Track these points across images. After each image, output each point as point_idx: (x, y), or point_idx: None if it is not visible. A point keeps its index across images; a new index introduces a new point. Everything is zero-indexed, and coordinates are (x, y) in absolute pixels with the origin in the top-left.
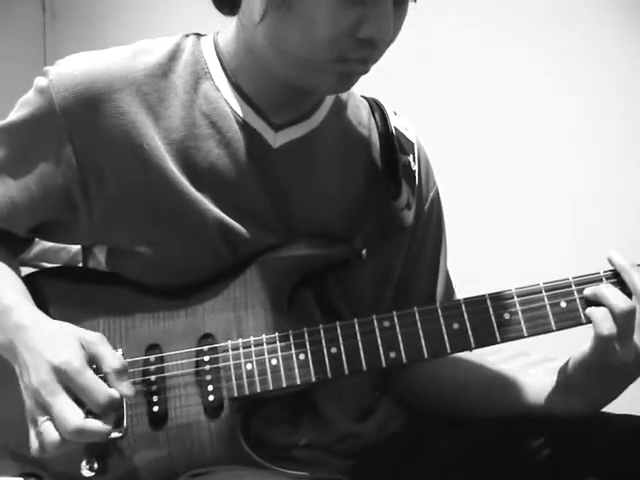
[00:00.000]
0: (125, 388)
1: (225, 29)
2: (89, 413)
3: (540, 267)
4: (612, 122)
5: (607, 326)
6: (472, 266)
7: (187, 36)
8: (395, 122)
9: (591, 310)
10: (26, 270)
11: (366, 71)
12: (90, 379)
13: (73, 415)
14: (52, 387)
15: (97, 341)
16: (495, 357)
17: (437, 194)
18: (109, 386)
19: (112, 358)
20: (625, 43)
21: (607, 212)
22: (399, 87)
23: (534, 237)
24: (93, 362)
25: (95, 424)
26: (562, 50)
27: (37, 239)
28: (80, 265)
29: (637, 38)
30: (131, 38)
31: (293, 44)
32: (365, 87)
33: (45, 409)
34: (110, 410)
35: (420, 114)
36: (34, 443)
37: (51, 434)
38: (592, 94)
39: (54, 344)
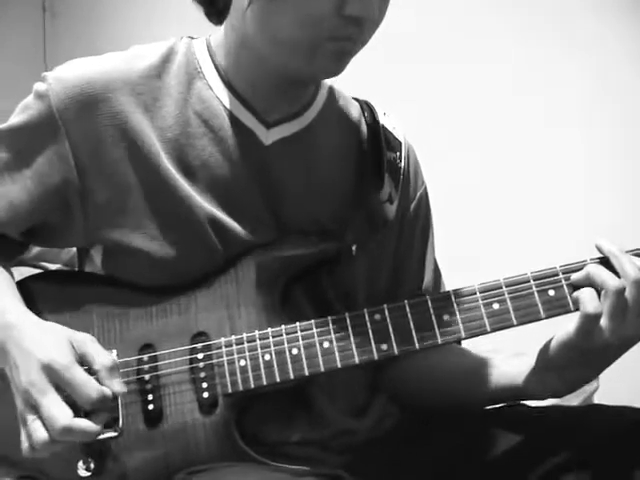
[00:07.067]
0: (116, 385)
1: (216, 31)
2: (85, 414)
3: (539, 259)
4: (612, 121)
5: (594, 305)
6: (470, 259)
7: (181, 39)
8: (384, 121)
9: (578, 292)
10: (26, 270)
11: (355, 50)
12: (78, 374)
13: (61, 414)
14: (41, 386)
15: (86, 340)
16: None
17: (425, 193)
18: (101, 384)
19: (102, 355)
20: (628, 41)
21: (605, 209)
22: (399, 87)
23: (533, 233)
24: (84, 361)
25: (84, 423)
26: (562, 48)
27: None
28: (71, 269)
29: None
30: (131, 38)
31: (281, 27)
32: (363, 88)
33: (35, 409)
34: (101, 407)
35: (426, 112)
36: (24, 444)
37: (40, 434)
38: (592, 91)
39: (43, 343)
